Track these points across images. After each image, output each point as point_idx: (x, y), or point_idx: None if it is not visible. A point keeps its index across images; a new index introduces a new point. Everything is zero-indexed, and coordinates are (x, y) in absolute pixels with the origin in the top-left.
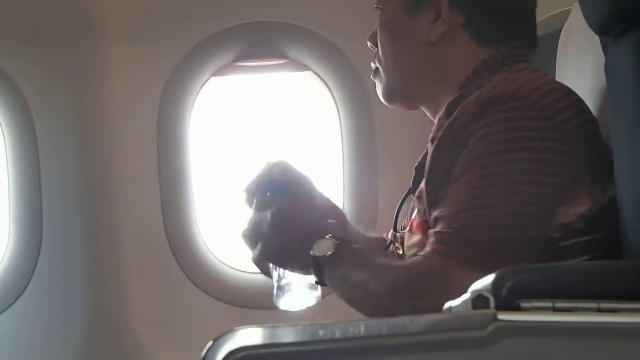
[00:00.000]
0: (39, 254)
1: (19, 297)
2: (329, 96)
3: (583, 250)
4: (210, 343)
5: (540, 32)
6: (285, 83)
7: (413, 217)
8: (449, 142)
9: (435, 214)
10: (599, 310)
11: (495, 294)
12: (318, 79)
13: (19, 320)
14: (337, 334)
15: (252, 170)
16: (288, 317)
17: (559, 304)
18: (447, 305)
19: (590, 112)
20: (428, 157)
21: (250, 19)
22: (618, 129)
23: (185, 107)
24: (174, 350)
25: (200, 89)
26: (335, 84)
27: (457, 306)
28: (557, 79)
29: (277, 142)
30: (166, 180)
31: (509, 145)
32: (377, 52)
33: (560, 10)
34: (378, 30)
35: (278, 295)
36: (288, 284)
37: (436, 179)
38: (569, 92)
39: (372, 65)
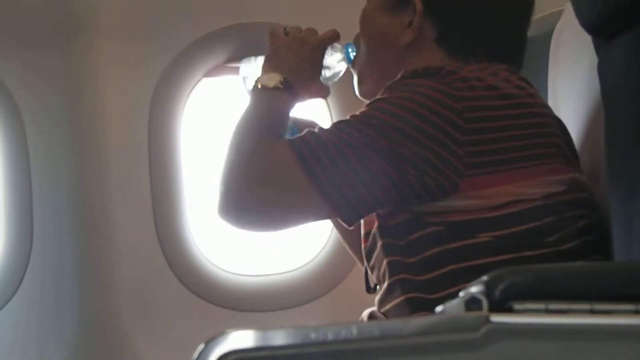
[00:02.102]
0: (29, 255)
1: (10, 299)
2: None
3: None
4: (201, 346)
5: (531, 33)
6: None
7: None
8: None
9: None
10: (593, 312)
11: (488, 295)
12: None
13: (10, 322)
14: (329, 337)
15: None
16: (279, 321)
17: (552, 306)
18: (439, 307)
19: (540, 108)
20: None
21: (242, 19)
22: (611, 129)
23: (177, 108)
24: (164, 352)
25: (191, 90)
26: None
27: (449, 308)
28: (549, 80)
29: None
30: (157, 182)
31: (406, 102)
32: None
33: (552, 10)
34: (360, 18)
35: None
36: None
37: None
38: (502, 89)
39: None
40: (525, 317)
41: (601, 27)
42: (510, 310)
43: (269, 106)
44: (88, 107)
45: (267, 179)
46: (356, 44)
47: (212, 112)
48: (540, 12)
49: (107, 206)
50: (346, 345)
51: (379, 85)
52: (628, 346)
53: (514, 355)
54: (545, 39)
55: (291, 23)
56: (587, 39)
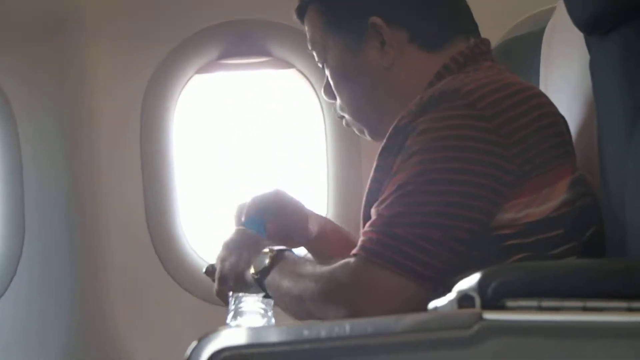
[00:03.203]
0: (21, 252)
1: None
2: (313, 94)
3: (534, 248)
4: (194, 343)
5: (523, 30)
6: (269, 80)
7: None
8: (392, 140)
9: (371, 210)
10: (585, 309)
11: (480, 293)
12: (302, 77)
13: (2, 320)
14: (322, 334)
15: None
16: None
17: (544, 303)
18: (432, 304)
19: (549, 107)
20: (376, 156)
21: (234, 16)
22: (605, 127)
23: (169, 105)
24: (157, 349)
25: (184, 87)
26: (318, 82)
27: (442, 306)
28: (540, 78)
29: (261, 140)
30: (149, 178)
31: (442, 143)
32: (337, 103)
33: (544, 8)
34: (331, 82)
35: (233, 320)
36: (242, 311)
37: (380, 177)
38: (520, 90)
39: (337, 114)
40: (518, 315)
41: (594, 25)
42: (503, 308)
43: (285, 276)
44: (80, 103)
45: None
46: (327, 93)
47: (205, 108)
48: (532, 9)
49: (100, 205)
50: (339, 342)
51: (384, 121)
52: (620, 343)
53: (507, 352)
54: (537, 37)
55: (283, 20)
56: (580, 36)
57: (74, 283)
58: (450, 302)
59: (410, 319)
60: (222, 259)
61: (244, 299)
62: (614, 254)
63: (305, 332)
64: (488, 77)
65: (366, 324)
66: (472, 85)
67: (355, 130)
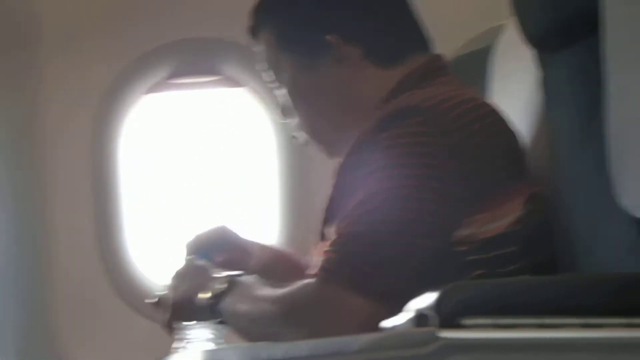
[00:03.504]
0: None
1: None
2: (264, 112)
3: (493, 265)
4: None
5: (471, 48)
6: (220, 99)
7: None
8: (352, 157)
9: (332, 227)
10: (541, 327)
11: (437, 311)
12: (253, 95)
13: None
14: (279, 355)
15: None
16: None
17: (500, 321)
18: (389, 323)
19: (504, 123)
20: (335, 173)
21: (186, 35)
22: (556, 143)
23: (119, 123)
24: None
25: (134, 105)
26: (269, 100)
27: (399, 325)
28: (490, 94)
29: (212, 159)
30: (99, 198)
31: (403, 160)
32: (294, 122)
33: (492, 26)
34: (287, 102)
35: (183, 349)
36: (192, 338)
37: (338, 193)
38: (477, 106)
39: (294, 134)
40: (475, 333)
41: (544, 42)
42: (459, 326)
43: (242, 299)
44: (32, 122)
45: None
46: (284, 114)
47: (156, 127)
48: (480, 27)
49: (49, 222)
50: None
51: (342, 139)
52: (575, 359)
53: None
54: (486, 54)
55: (234, 39)
56: (529, 53)
57: (21, 302)
58: (407, 320)
59: (367, 338)
60: (175, 287)
61: (194, 326)
62: (566, 270)
63: (263, 354)
64: (446, 92)
65: (323, 344)
66: (432, 102)
67: (315, 147)
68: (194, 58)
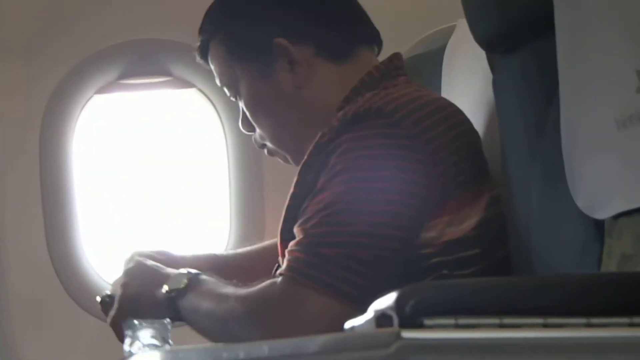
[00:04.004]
0: None
1: None
2: (214, 113)
3: (456, 267)
4: None
5: (424, 48)
6: (169, 100)
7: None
8: (314, 157)
9: (295, 228)
10: (502, 326)
11: (398, 312)
12: (203, 96)
13: None
14: (241, 355)
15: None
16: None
17: (461, 321)
18: (349, 324)
19: (467, 124)
20: (297, 172)
21: (134, 36)
22: (507, 144)
23: (69, 125)
24: None
25: (83, 106)
26: (219, 101)
27: (360, 325)
28: (442, 95)
29: (162, 160)
30: (49, 200)
31: (367, 162)
32: (256, 133)
33: (444, 26)
34: (247, 113)
35: (130, 346)
36: (139, 335)
37: (300, 192)
38: (441, 107)
39: (258, 145)
40: (436, 333)
41: (497, 43)
42: (421, 326)
43: (204, 297)
44: None
45: None
46: (245, 126)
47: (105, 129)
48: (432, 27)
49: None
50: None
51: (305, 143)
52: (538, 358)
53: None
54: (438, 55)
55: (183, 40)
56: (481, 54)
57: None
58: (368, 321)
59: (328, 339)
60: (126, 285)
61: (142, 324)
62: (521, 270)
63: (224, 354)
64: (408, 94)
65: (285, 345)
66: (395, 104)
67: (279, 159)
68: (143, 59)
